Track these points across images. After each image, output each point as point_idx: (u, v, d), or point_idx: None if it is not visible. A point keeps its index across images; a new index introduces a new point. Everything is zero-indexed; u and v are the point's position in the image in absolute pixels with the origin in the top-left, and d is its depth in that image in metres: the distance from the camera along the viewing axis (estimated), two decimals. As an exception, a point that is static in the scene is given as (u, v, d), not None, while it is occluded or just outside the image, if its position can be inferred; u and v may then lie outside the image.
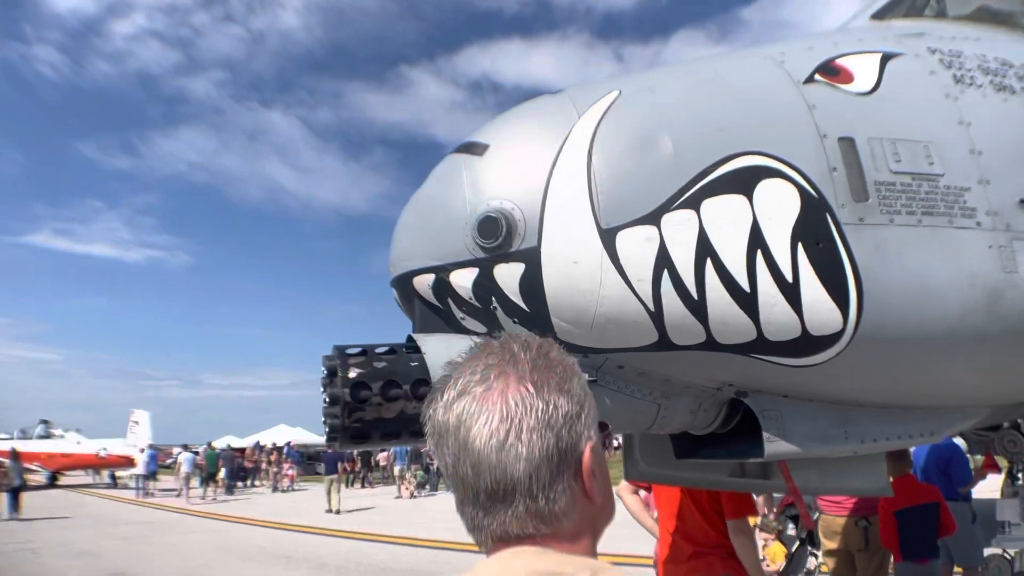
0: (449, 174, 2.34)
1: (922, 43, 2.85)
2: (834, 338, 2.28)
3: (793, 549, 6.58)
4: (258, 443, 38.27)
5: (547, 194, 2.20)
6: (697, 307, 2.19)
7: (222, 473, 27.91)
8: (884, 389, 2.54)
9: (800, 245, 2.24)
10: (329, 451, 23.22)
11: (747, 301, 2.20)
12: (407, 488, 24.47)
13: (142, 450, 28.56)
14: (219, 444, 35.08)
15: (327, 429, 2.16)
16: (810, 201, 2.28)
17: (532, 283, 2.18)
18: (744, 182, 2.25)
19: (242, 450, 36.11)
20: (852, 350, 2.29)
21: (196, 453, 28.82)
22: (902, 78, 2.64)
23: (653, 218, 2.19)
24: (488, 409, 0.95)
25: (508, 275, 2.19)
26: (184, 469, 25.66)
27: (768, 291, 2.21)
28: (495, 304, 2.21)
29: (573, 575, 0.90)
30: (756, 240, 2.21)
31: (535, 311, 2.19)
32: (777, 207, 2.25)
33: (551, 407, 0.96)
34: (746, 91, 2.48)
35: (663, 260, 2.17)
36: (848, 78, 2.57)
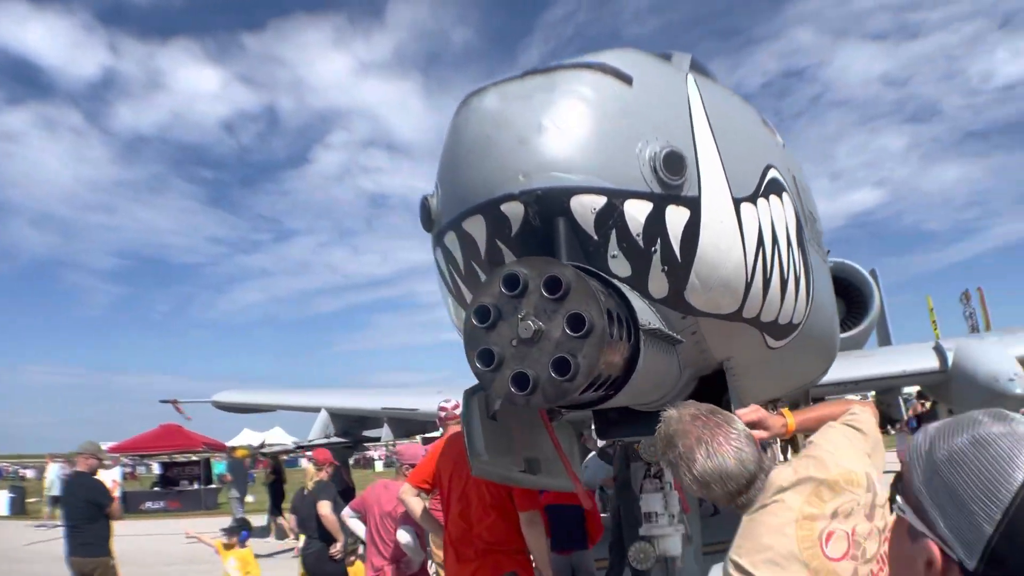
0: (600, 92, 2.03)
1: None
2: (796, 327, 2.81)
3: None
4: None
5: (696, 147, 2.17)
6: (766, 285, 2.44)
7: None
8: (780, 380, 3.19)
9: (801, 249, 2.73)
10: None
11: (783, 286, 2.56)
12: None
13: None
14: None
15: (553, 373, 1.54)
16: (798, 217, 2.81)
17: (692, 232, 2.09)
18: (779, 189, 2.64)
19: None
20: (794, 340, 2.86)
21: None
22: (783, 139, 3.45)
23: (753, 198, 2.38)
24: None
25: (676, 219, 2.06)
26: None
27: (791, 281, 2.61)
28: (657, 247, 2.04)
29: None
30: (788, 238, 2.61)
31: (684, 262, 2.10)
32: (791, 216, 2.70)
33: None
34: (747, 115, 2.89)
35: (761, 239, 2.37)
36: (774, 132, 3.24)
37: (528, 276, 1.59)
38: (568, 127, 1.93)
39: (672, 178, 2.01)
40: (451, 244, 2.15)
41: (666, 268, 2.08)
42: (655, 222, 2.02)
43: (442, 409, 6.07)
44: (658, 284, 2.11)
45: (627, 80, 2.09)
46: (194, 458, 21.64)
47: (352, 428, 11.66)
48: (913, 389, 12.62)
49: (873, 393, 10.71)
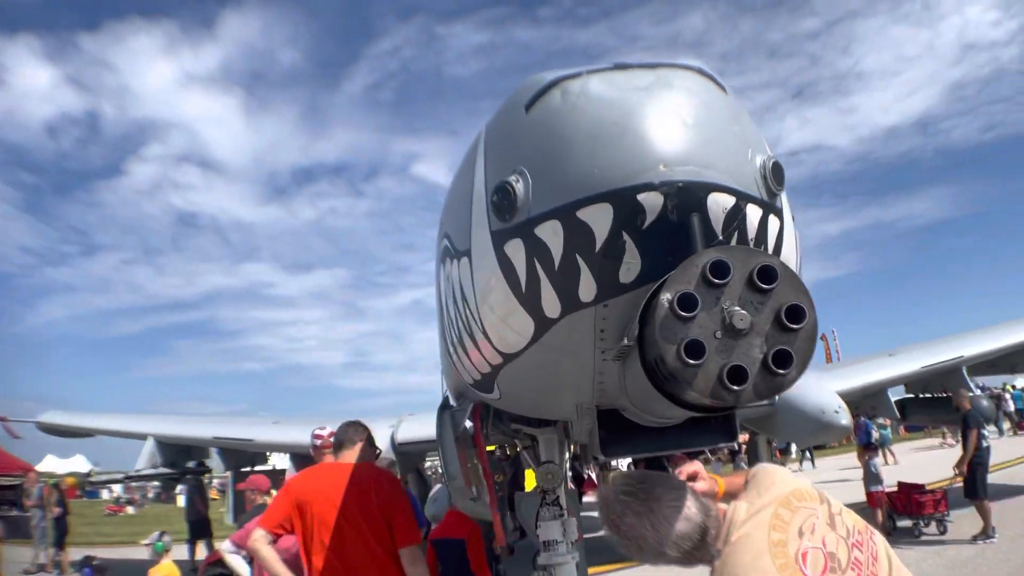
0: (712, 95, 2.02)
1: None
2: None
3: None
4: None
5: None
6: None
7: None
8: None
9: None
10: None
11: None
12: None
13: None
14: None
15: (772, 366, 1.48)
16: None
17: (779, 243, 2.12)
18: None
19: None
20: None
21: None
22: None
23: (791, 216, 2.48)
24: None
25: (773, 228, 2.08)
26: None
27: None
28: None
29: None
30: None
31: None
32: None
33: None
34: None
35: (798, 254, 2.47)
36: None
37: (733, 264, 1.50)
38: (698, 123, 1.88)
39: (777, 187, 2.04)
40: (548, 235, 1.97)
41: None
42: (762, 229, 2.02)
43: (317, 437, 5.59)
44: None
45: (723, 88, 2.10)
46: (13, 482, 18.69)
47: (178, 458, 10.54)
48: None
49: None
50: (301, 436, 10.20)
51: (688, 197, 1.79)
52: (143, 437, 10.21)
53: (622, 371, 2.34)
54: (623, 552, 1.84)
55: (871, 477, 9.80)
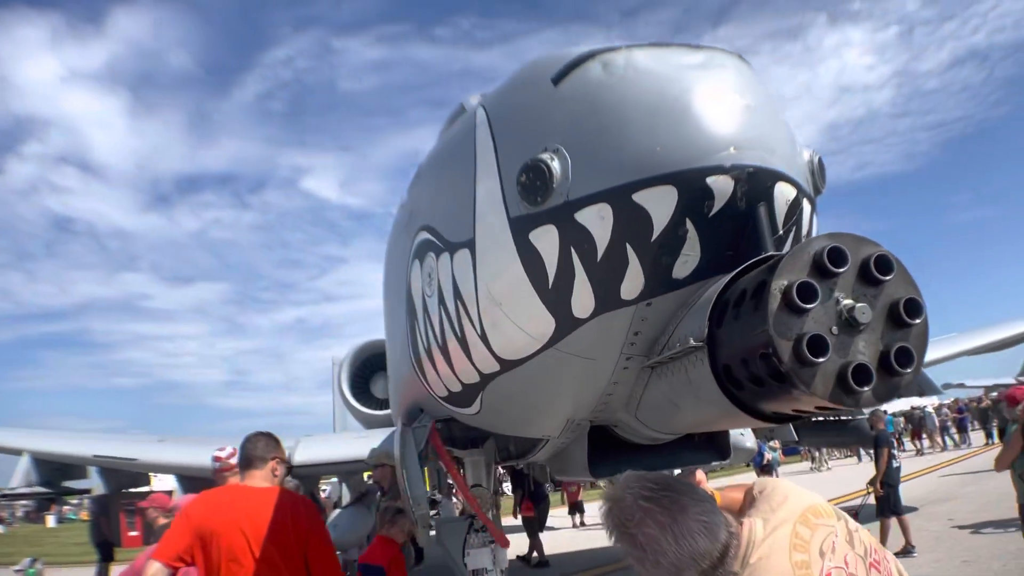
0: (761, 84, 1.91)
1: None
2: None
3: None
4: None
5: None
6: None
7: None
8: None
9: None
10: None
11: None
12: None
13: None
14: None
15: (895, 365, 1.36)
16: None
17: None
18: None
19: None
20: None
21: None
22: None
23: None
24: None
25: (816, 227, 2.01)
26: None
27: None
28: None
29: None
30: None
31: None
32: None
33: None
34: None
35: None
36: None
37: (848, 253, 1.37)
38: (759, 107, 1.78)
39: (822, 184, 1.98)
40: (592, 220, 1.79)
41: None
42: (810, 227, 1.95)
43: (216, 459, 5.14)
44: None
45: (761, 78, 2.02)
46: None
47: (55, 476, 9.60)
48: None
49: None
50: (190, 456, 9.43)
51: (757, 184, 1.68)
52: (17, 452, 9.20)
53: (642, 380, 2.18)
54: (633, 566, 1.68)
55: (767, 499, 10.09)
